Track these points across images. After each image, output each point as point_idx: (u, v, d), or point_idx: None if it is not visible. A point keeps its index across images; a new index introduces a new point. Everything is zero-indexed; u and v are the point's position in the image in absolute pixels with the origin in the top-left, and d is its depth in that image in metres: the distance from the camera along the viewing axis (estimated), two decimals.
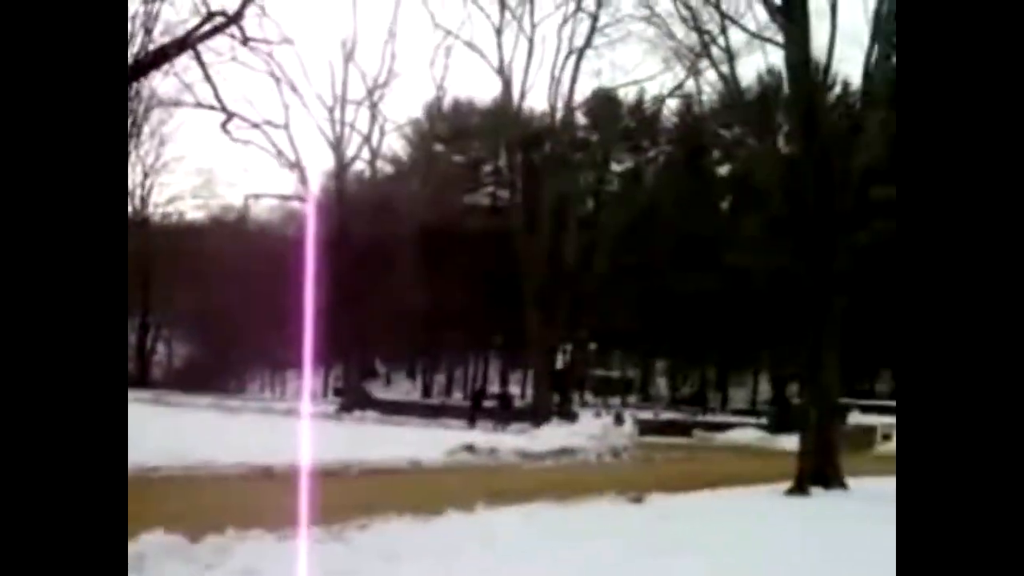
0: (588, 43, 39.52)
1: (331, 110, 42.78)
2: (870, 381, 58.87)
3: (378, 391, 57.78)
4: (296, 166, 41.80)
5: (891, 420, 36.71)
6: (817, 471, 16.50)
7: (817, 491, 16.03)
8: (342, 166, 44.13)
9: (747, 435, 33.93)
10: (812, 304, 16.47)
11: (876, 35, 17.23)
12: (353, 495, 12.62)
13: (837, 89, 42.12)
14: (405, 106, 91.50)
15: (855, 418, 37.18)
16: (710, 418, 46.46)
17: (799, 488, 16.16)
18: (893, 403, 45.03)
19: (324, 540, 8.20)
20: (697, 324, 51.23)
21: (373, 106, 43.25)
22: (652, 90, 50.55)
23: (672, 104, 53.08)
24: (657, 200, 59.26)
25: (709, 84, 29.24)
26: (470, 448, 20.35)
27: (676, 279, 50.34)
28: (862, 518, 11.93)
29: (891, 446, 31.21)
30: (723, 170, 61.63)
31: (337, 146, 43.40)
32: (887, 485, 17.69)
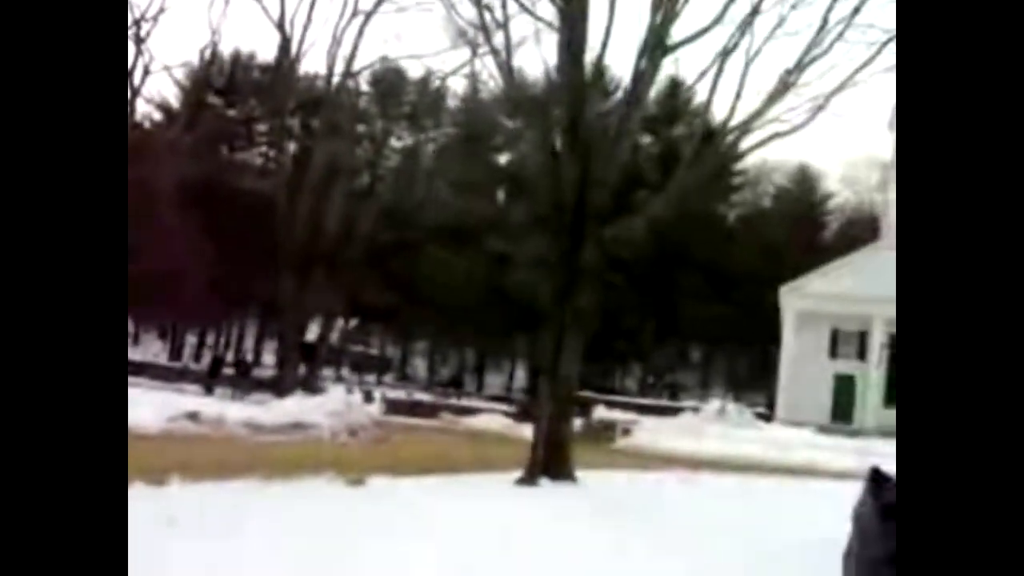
0: (376, 8, 38.43)
1: None
2: (620, 377, 61.15)
3: None
4: None
5: (633, 416, 38.02)
6: (548, 462, 16.37)
7: (546, 482, 15.89)
8: None
9: (493, 421, 34.06)
10: (558, 295, 16.33)
11: (649, 35, 17.30)
12: None
13: (619, 95, 43.11)
14: (179, 50, 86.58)
15: (600, 413, 38.15)
16: (463, 402, 46.62)
17: (529, 478, 15.98)
18: (638, 400, 46.84)
19: None
20: (459, 307, 51.22)
21: (139, 41, 40.28)
22: (442, 68, 50.02)
23: (459, 87, 52.83)
24: (433, 180, 58.91)
25: (493, 72, 28.90)
26: (193, 416, 19.00)
27: (442, 261, 50.16)
28: (574, 512, 11.76)
29: (629, 441, 32.15)
30: (502, 159, 62.05)
31: None
32: (614, 479, 17.97)
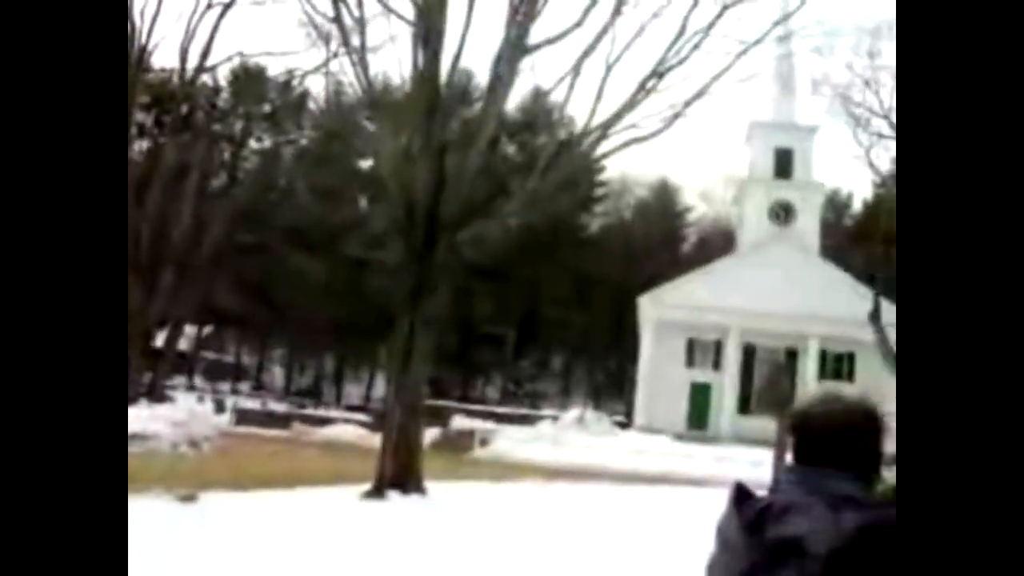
0: (232, 0, 36.96)
1: None
2: (482, 386, 60.87)
3: None
4: None
5: (492, 425, 37.61)
6: (397, 474, 15.73)
7: (394, 495, 15.24)
8: None
9: (348, 431, 33.14)
10: (409, 300, 15.72)
11: (507, 35, 16.93)
12: None
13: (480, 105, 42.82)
14: None
15: (458, 422, 37.59)
16: (319, 412, 45.41)
17: (376, 491, 15.31)
18: (498, 409, 46.55)
19: None
20: (318, 314, 49.96)
21: None
22: (302, 67, 48.57)
23: (322, 88, 51.55)
24: (293, 183, 57.40)
25: (350, 72, 27.99)
26: None
27: (301, 266, 48.80)
28: (417, 528, 11.17)
29: (487, 450, 31.73)
30: (365, 163, 60.95)
31: None
32: (467, 491, 17.44)
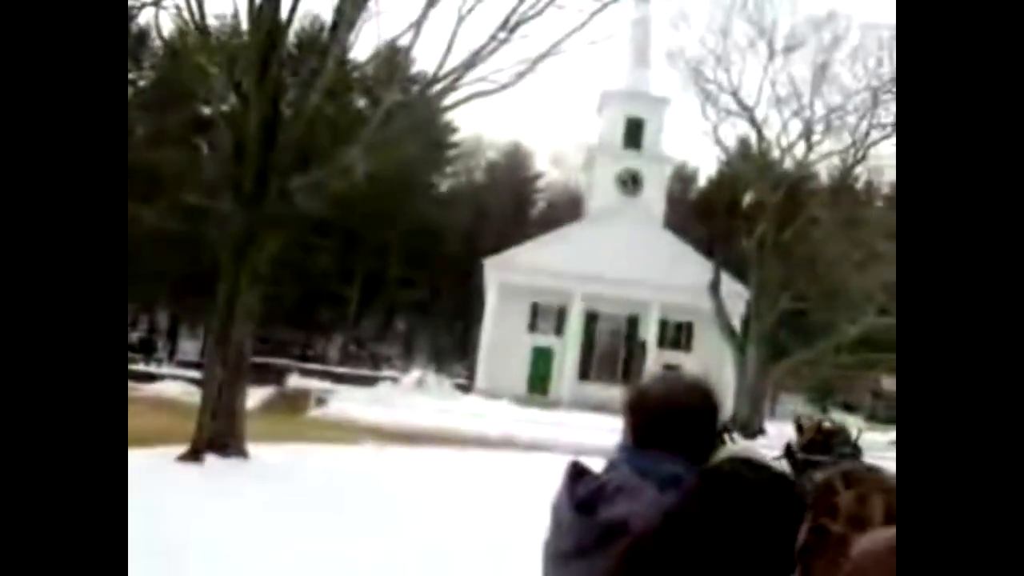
0: None
1: None
2: (324, 345, 59.54)
3: None
4: None
5: (330, 385, 36.69)
6: (217, 436, 14.76)
7: (212, 459, 14.28)
8: None
9: (175, 388, 31.60)
10: (235, 251, 14.68)
11: None
12: None
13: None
14: None
15: (294, 381, 36.47)
16: (151, 368, 43.31)
17: (192, 454, 14.32)
18: (337, 369, 45.48)
19: None
20: (150, 265, 47.47)
21: None
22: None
23: (162, 24, 48.76)
24: (130, 124, 54.24)
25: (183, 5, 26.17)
26: None
27: (135, 214, 46.16)
28: (231, 497, 10.34)
29: (324, 411, 30.81)
30: (207, 109, 58.29)
31: None
32: (293, 454, 16.59)
